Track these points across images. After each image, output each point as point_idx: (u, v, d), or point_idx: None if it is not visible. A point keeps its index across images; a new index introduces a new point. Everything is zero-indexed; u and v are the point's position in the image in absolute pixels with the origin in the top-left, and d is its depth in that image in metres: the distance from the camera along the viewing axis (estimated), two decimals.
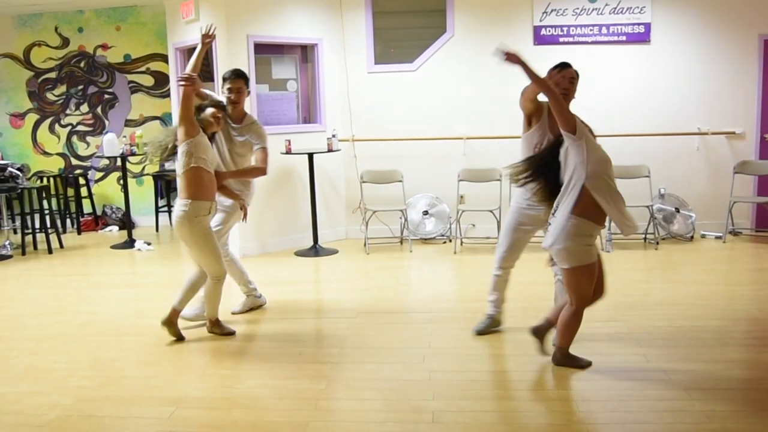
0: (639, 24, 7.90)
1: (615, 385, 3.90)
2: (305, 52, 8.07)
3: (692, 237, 7.79)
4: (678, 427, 3.36)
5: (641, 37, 7.92)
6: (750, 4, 7.85)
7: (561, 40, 7.99)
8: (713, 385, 3.85)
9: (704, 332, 4.65)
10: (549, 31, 7.99)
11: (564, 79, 4.18)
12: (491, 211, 7.46)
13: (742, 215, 8.12)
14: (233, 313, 5.33)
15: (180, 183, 4.64)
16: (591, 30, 7.96)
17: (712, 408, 3.54)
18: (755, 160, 7.95)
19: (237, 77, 5.20)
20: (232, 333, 4.92)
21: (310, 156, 7.49)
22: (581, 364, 4.09)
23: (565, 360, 4.09)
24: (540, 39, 8.00)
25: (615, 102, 7.84)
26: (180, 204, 4.60)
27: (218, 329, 4.92)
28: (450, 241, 7.98)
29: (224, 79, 5.22)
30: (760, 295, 5.61)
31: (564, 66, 4.23)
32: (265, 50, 7.66)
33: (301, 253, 7.48)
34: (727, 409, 3.52)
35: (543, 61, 7.94)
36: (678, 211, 7.79)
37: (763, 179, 7.93)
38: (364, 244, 7.71)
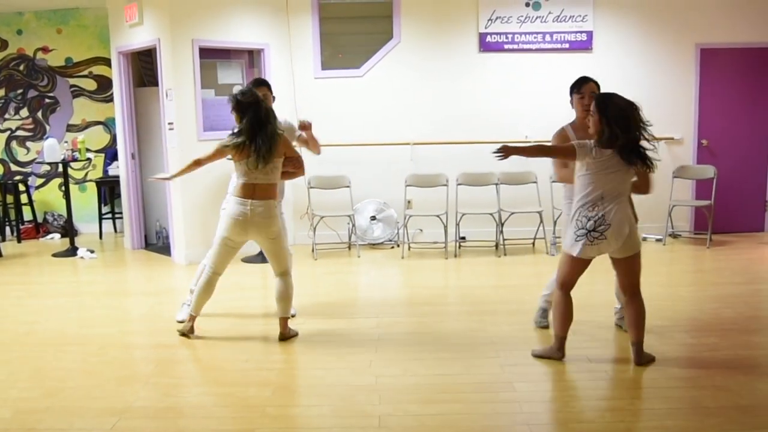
0: (581, 32, 8.07)
1: (558, 386, 3.98)
2: (252, 57, 8.02)
3: None
4: (619, 425, 3.44)
5: (584, 44, 8.10)
6: (687, 14, 8.11)
7: (506, 47, 8.11)
8: (653, 383, 3.95)
9: (645, 332, 4.76)
10: (494, 38, 8.10)
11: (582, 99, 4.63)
12: (438, 216, 7.53)
13: (682, 218, 8.35)
14: (179, 321, 5.24)
15: (273, 189, 4.72)
16: (535, 38, 8.10)
17: (651, 406, 3.64)
18: (693, 165, 8.20)
19: (259, 85, 5.11)
20: (295, 334, 4.94)
21: None
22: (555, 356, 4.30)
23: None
24: (485, 46, 8.11)
25: (559, 108, 7.97)
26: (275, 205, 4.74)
27: (291, 332, 4.93)
28: (398, 246, 8.02)
29: None
30: (699, 296, 5.78)
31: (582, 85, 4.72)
32: (210, 55, 7.59)
33: (248, 260, 7.42)
34: (665, 407, 3.62)
35: (488, 67, 8.15)
36: None
37: (701, 183, 8.18)
38: (312, 250, 7.69)
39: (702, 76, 8.19)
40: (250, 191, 4.64)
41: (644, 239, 8.06)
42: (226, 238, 4.72)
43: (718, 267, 6.87)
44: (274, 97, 5.28)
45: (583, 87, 4.68)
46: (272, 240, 4.75)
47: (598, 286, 6.14)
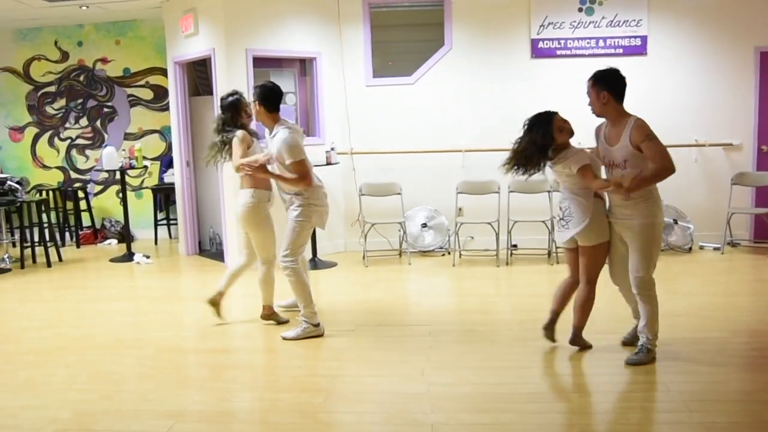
0: (636, 37, 7.94)
1: (614, 398, 3.91)
2: (304, 66, 8.10)
3: (690, 248, 7.80)
4: None
5: (638, 49, 7.96)
6: (745, 16, 7.90)
7: (558, 53, 8.03)
8: (712, 396, 3.85)
9: (704, 344, 4.65)
10: (546, 44, 8.03)
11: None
12: (490, 224, 7.47)
13: (740, 226, 8.13)
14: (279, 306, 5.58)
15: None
16: (588, 43, 8.01)
17: (711, 420, 3.54)
18: (753, 172, 7.97)
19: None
20: (285, 321, 5.34)
21: None
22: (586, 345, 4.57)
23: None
24: (537, 52, 8.04)
25: None
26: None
27: (275, 318, 5.36)
28: (449, 253, 7.99)
29: None
30: (759, 307, 5.61)
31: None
32: (263, 64, 7.69)
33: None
34: (726, 421, 3.52)
35: (541, 73, 8.08)
36: (676, 223, 7.80)
37: (761, 190, 7.95)
38: (363, 257, 7.71)
39: (762, 80, 7.97)
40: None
41: (701, 247, 7.88)
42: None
43: None
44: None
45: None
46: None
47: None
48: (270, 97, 5.03)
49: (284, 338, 5.00)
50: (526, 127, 4.37)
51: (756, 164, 8.07)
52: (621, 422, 3.59)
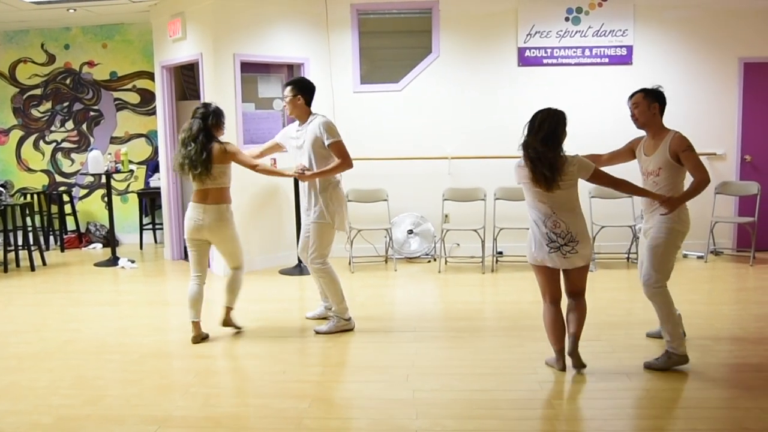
0: (621, 46, 8.01)
1: (598, 404, 3.93)
2: (292, 71, 8.11)
3: None
4: None
5: (624, 59, 8.03)
6: (729, 27, 8.00)
7: (545, 61, 8.09)
8: (695, 403, 3.88)
9: (687, 351, 4.69)
10: (533, 52, 8.08)
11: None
12: (476, 231, 7.50)
13: (724, 235, 8.21)
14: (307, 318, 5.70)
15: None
16: (574, 52, 8.07)
17: (693, 427, 3.57)
18: (736, 181, 8.06)
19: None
20: (239, 329, 5.38)
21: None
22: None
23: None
24: (524, 60, 8.09)
25: (599, 122, 7.92)
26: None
27: (233, 323, 5.36)
28: (434, 260, 8.01)
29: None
30: (742, 315, 5.67)
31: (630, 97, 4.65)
32: (251, 69, 7.69)
33: (285, 272, 7.48)
34: (708, 428, 3.55)
35: (527, 81, 8.13)
36: None
37: (744, 199, 8.03)
38: (349, 263, 7.71)
39: (745, 91, 8.06)
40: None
41: (685, 256, 7.95)
42: None
43: (762, 285, 6.73)
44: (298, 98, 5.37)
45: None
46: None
47: (637, 304, 6.08)
48: (310, 89, 5.31)
49: (317, 332, 5.26)
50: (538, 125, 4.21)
51: (739, 174, 8.16)
52: (604, 429, 3.61)
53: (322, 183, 5.19)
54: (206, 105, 5.16)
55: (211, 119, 5.04)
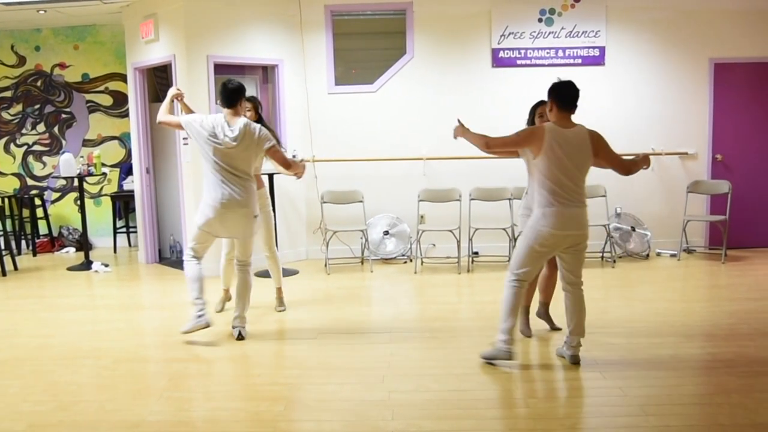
0: (594, 47, 8.08)
1: (572, 402, 3.96)
2: (266, 73, 8.08)
3: (648, 255, 7.94)
4: None
5: (596, 60, 8.10)
6: (701, 29, 8.10)
7: (518, 62, 8.13)
8: (668, 401, 3.91)
9: (660, 349, 4.74)
10: (507, 53, 8.12)
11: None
12: (451, 231, 7.52)
13: (696, 233, 8.31)
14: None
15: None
16: (548, 53, 8.12)
17: (666, 423, 3.60)
18: (707, 180, 8.16)
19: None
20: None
21: (270, 176, 7.46)
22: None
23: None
24: (498, 61, 8.13)
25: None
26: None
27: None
28: (410, 260, 8.02)
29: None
30: (713, 312, 5.73)
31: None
32: (225, 70, 7.64)
33: (261, 274, 7.43)
34: (681, 424, 3.58)
35: (501, 82, 8.17)
36: (634, 230, 7.94)
37: (715, 198, 8.14)
38: (325, 265, 7.70)
39: (716, 91, 8.17)
40: None
41: (658, 254, 8.03)
42: None
43: (733, 282, 6.82)
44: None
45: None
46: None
47: (612, 302, 6.13)
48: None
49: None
50: None
51: (710, 173, 8.26)
52: (579, 427, 3.63)
53: None
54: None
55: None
